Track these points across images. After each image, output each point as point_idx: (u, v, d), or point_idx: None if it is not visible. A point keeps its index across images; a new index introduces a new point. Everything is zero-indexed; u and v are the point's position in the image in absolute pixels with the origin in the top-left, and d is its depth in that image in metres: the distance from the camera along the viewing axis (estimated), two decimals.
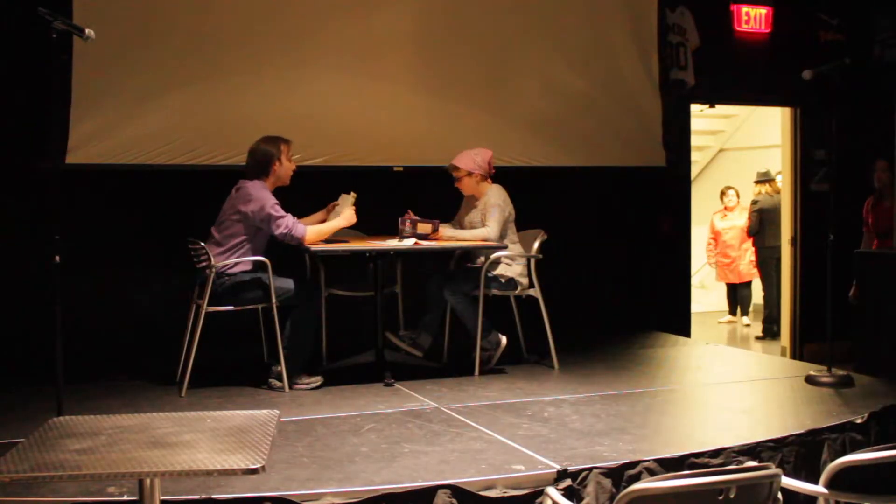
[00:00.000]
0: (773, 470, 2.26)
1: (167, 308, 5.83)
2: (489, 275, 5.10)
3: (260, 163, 4.80)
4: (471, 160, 5.19)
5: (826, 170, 7.56)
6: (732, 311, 9.48)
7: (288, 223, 4.68)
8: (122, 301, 5.79)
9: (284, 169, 4.84)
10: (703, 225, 9.68)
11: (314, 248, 4.73)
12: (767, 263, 8.68)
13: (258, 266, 4.74)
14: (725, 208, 9.32)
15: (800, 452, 3.77)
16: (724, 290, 9.72)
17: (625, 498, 2.15)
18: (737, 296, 9.45)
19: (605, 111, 6.67)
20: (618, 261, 7.02)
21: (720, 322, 9.15)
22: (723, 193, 9.34)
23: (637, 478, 3.32)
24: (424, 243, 4.93)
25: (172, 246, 5.80)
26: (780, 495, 2.31)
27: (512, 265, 5.20)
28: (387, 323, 5.21)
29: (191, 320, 4.73)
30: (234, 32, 5.72)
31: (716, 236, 9.41)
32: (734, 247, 9.17)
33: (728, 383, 5.06)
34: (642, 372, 5.27)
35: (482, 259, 5.18)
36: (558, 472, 3.26)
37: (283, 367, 4.61)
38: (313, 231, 4.77)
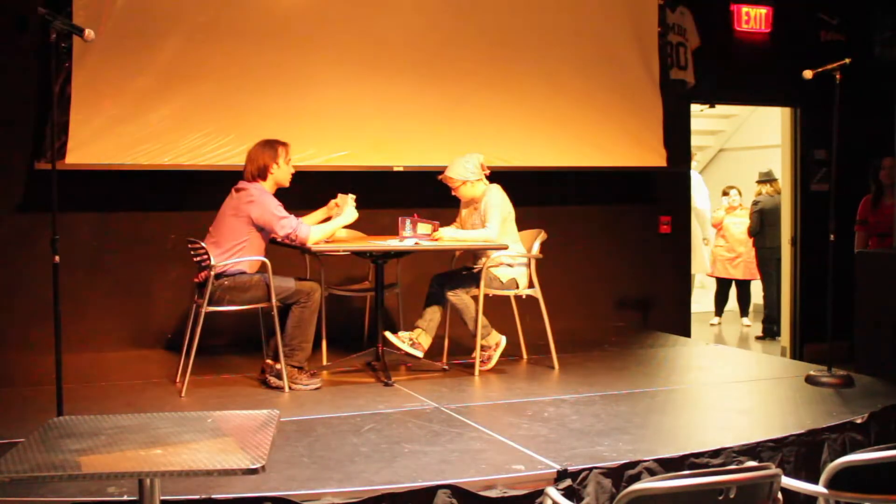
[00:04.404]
0: (773, 470, 2.26)
1: (167, 308, 5.84)
2: (490, 275, 5.10)
3: (256, 167, 4.79)
4: (463, 168, 5.18)
5: (826, 170, 7.56)
6: (719, 312, 9.39)
7: (292, 223, 4.67)
8: (122, 301, 5.79)
9: (282, 172, 4.83)
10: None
11: (315, 247, 4.73)
12: (767, 263, 8.65)
13: (258, 266, 4.73)
14: (730, 207, 9.23)
15: (800, 452, 3.77)
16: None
17: (625, 498, 2.15)
18: (728, 295, 9.38)
19: (605, 111, 6.68)
20: (618, 261, 7.02)
21: (711, 324, 9.09)
22: (724, 193, 9.28)
23: (637, 478, 3.32)
24: (425, 243, 4.94)
25: (172, 246, 5.82)
26: (780, 495, 2.31)
27: (513, 265, 5.19)
28: (387, 323, 5.21)
29: (191, 320, 4.73)
30: (235, 32, 5.73)
31: (724, 230, 9.26)
32: (742, 241, 9.05)
33: (728, 383, 5.06)
34: (642, 372, 5.27)
35: (483, 259, 5.18)
36: (558, 472, 3.26)
37: (282, 367, 4.62)
38: (318, 231, 4.76)
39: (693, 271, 8.25)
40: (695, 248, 8.32)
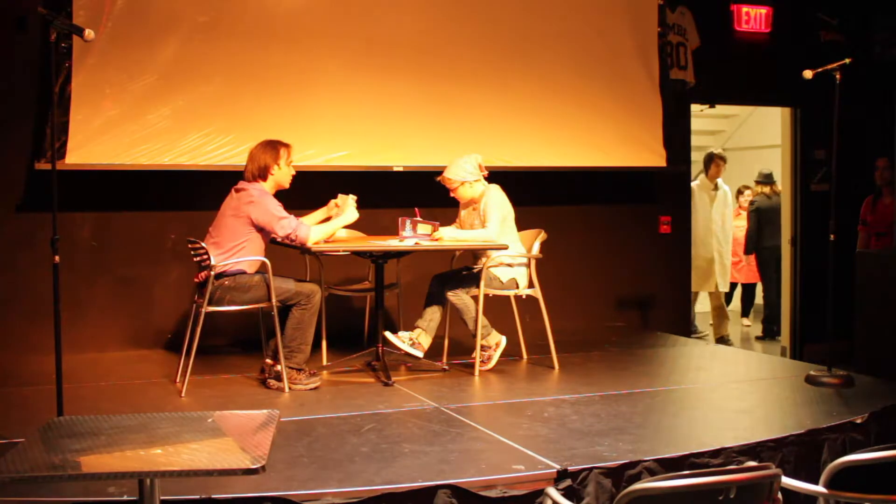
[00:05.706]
0: (773, 470, 2.26)
1: (167, 308, 5.84)
2: (490, 275, 5.10)
3: (258, 167, 4.78)
4: (461, 169, 5.18)
5: (826, 170, 7.56)
6: None
7: (291, 224, 4.67)
8: (122, 301, 5.79)
9: (283, 173, 4.82)
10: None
11: (315, 247, 4.73)
12: (767, 264, 8.64)
13: (258, 266, 4.73)
14: (741, 208, 9.19)
15: (800, 452, 3.77)
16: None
17: (625, 498, 2.15)
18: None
19: (605, 111, 6.68)
20: (618, 261, 7.03)
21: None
22: (739, 193, 9.22)
23: (637, 478, 3.32)
24: (425, 243, 4.94)
25: (172, 246, 5.82)
26: (780, 495, 2.31)
27: (513, 265, 5.20)
28: (387, 323, 5.22)
29: (191, 320, 4.73)
30: (235, 33, 5.72)
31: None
32: (745, 246, 9.02)
33: (728, 383, 5.06)
34: (642, 372, 5.26)
35: (483, 259, 5.18)
36: (558, 472, 3.26)
37: (282, 367, 4.62)
38: (318, 231, 4.76)
39: (708, 289, 8.15)
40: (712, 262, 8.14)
